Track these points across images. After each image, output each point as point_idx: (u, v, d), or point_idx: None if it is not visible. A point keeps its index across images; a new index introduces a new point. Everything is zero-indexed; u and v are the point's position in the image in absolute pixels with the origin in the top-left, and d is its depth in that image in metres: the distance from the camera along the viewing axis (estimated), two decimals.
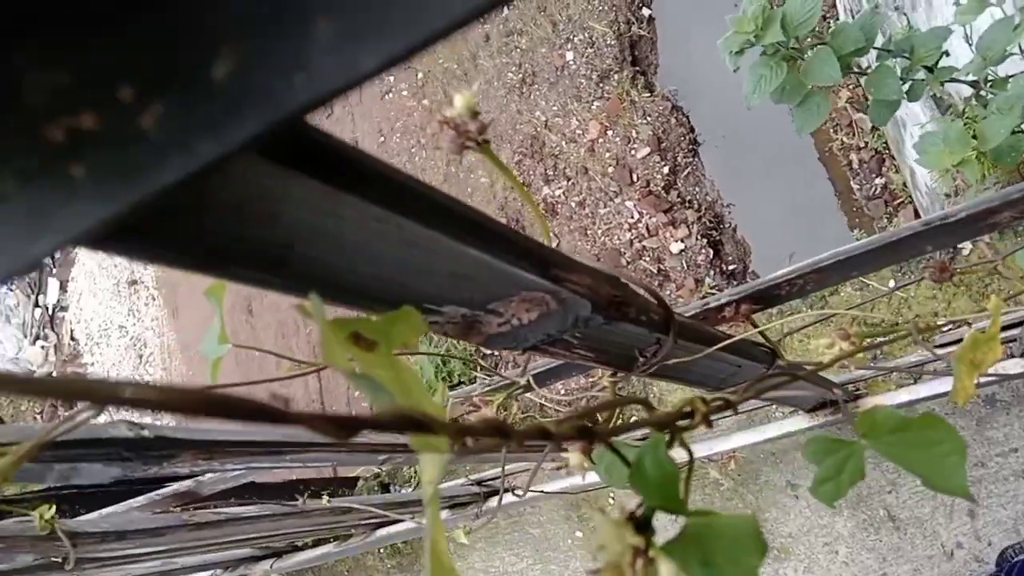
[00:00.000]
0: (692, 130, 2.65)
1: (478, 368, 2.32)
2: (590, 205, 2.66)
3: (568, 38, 2.95)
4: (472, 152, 0.45)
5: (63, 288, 4.36)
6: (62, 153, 0.19)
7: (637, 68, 2.83)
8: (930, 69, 1.17)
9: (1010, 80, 1.12)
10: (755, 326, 0.55)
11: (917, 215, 1.93)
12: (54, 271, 4.40)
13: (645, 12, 2.91)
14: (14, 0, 0.16)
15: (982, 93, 1.16)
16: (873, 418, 0.35)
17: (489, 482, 1.40)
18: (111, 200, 0.20)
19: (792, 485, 1.61)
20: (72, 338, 4.21)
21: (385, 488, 2.25)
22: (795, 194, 2.40)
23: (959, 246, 1.46)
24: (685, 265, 2.39)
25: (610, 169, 2.64)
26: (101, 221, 0.20)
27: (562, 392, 2.22)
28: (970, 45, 1.25)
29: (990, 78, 1.17)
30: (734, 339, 0.49)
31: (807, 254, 0.64)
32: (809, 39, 1.26)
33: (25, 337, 4.16)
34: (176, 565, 1.11)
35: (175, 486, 0.85)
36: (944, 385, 1.04)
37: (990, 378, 0.98)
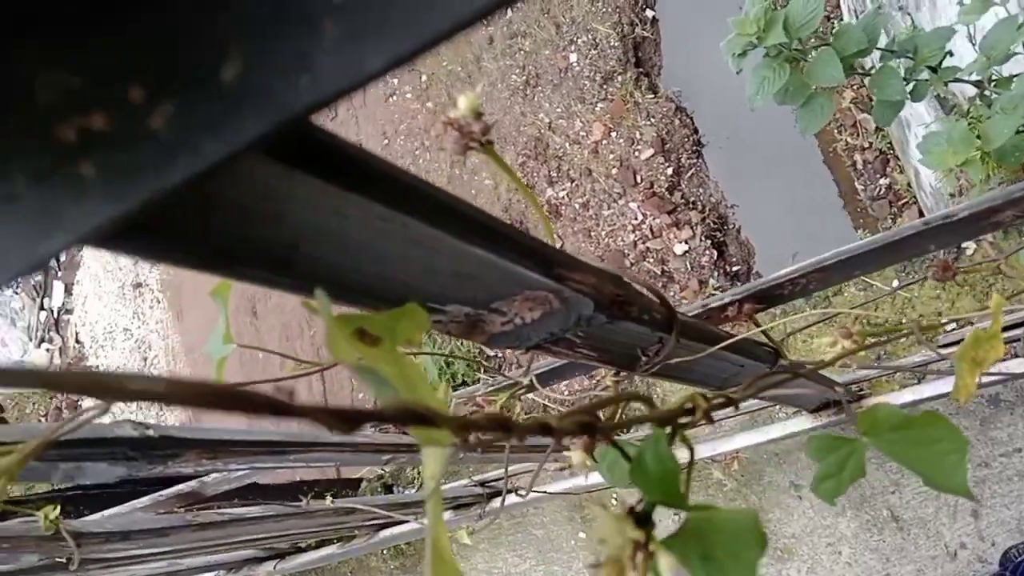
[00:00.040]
0: (696, 131, 2.65)
1: (482, 370, 2.32)
2: (594, 207, 2.66)
3: (572, 40, 2.96)
4: (476, 154, 0.45)
5: (68, 291, 4.38)
6: (73, 153, 0.20)
7: (641, 70, 2.83)
8: (934, 69, 1.17)
9: (1014, 79, 1.12)
10: (758, 325, 0.55)
11: (921, 215, 1.92)
12: (59, 274, 4.42)
13: (649, 14, 2.91)
14: (26, 3, 0.16)
15: (986, 93, 1.15)
16: (874, 416, 0.35)
17: (492, 483, 1.40)
18: (121, 199, 0.20)
19: (795, 486, 1.61)
20: (77, 341, 4.23)
21: (388, 489, 2.26)
22: (799, 195, 2.40)
23: (963, 246, 1.46)
24: (689, 266, 2.39)
25: (614, 171, 2.64)
26: (110, 220, 0.20)
27: (565, 393, 2.22)
28: (974, 45, 1.25)
29: (994, 78, 1.17)
30: (736, 338, 0.49)
31: (811, 255, 0.64)
32: (812, 40, 1.27)
33: (30, 340, 4.18)
34: (181, 566, 1.12)
35: (179, 487, 0.85)
36: (948, 385, 1.03)
37: (994, 378, 0.98)
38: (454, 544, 2.05)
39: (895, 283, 1.57)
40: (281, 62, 0.18)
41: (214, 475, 0.82)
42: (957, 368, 0.41)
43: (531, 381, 0.65)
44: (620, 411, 0.37)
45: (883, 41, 1.25)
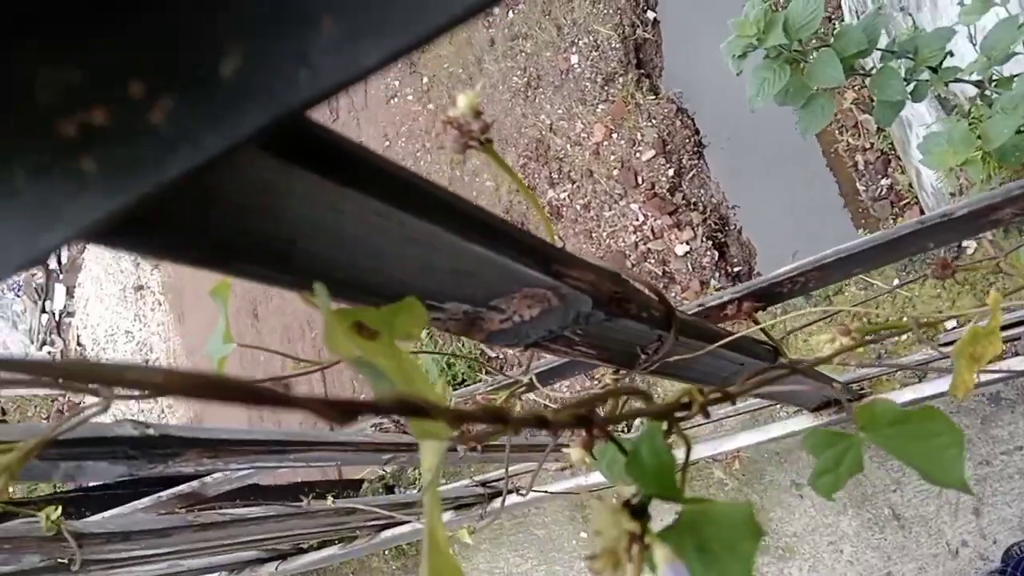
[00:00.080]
0: (697, 132, 2.66)
1: (483, 371, 2.32)
2: (595, 208, 2.67)
3: (573, 42, 2.96)
4: (477, 156, 0.45)
5: (70, 294, 4.39)
6: (74, 148, 0.20)
7: (642, 71, 2.83)
8: (934, 70, 1.17)
9: (1015, 79, 1.12)
10: (757, 324, 0.55)
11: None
12: (61, 277, 4.43)
13: (650, 15, 2.91)
14: (26, 3, 0.17)
15: (987, 93, 1.16)
16: (872, 411, 0.35)
17: (493, 483, 1.40)
18: (120, 193, 0.20)
19: (797, 484, 1.61)
20: (79, 343, 4.23)
21: (390, 490, 2.26)
22: (800, 195, 2.40)
23: (963, 245, 1.46)
24: (690, 267, 2.39)
25: (615, 172, 2.65)
26: (110, 213, 0.20)
27: (567, 394, 2.22)
28: (974, 45, 1.25)
29: (995, 78, 1.17)
30: (735, 336, 0.49)
31: (811, 255, 0.64)
32: (813, 41, 1.27)
33: (32, 343, 4.19)
34: (182, 567, 1.12)
35: (180, 487, 0.85)
36: (949, 383, 1.03)
37: (995, 376, 0.98)
38: (456, 544, 2.05)
39: (896, 282, 1.57)
40: (280, 58, 0.18)
41: (215, 475, 0.82)
42: (955, 364, 0.41)
43: (531, 380, 0.65)
44: (620, 407, 0.37)
45: (884, 42, 1.25)
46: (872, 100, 1.97)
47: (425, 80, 3.35)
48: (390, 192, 0.26)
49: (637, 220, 2.53)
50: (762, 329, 0.60)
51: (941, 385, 0.99)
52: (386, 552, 2.32)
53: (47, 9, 0.18)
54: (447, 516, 1.35)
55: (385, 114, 3.45)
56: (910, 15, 1.91)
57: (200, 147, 0.19)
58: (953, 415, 1.43)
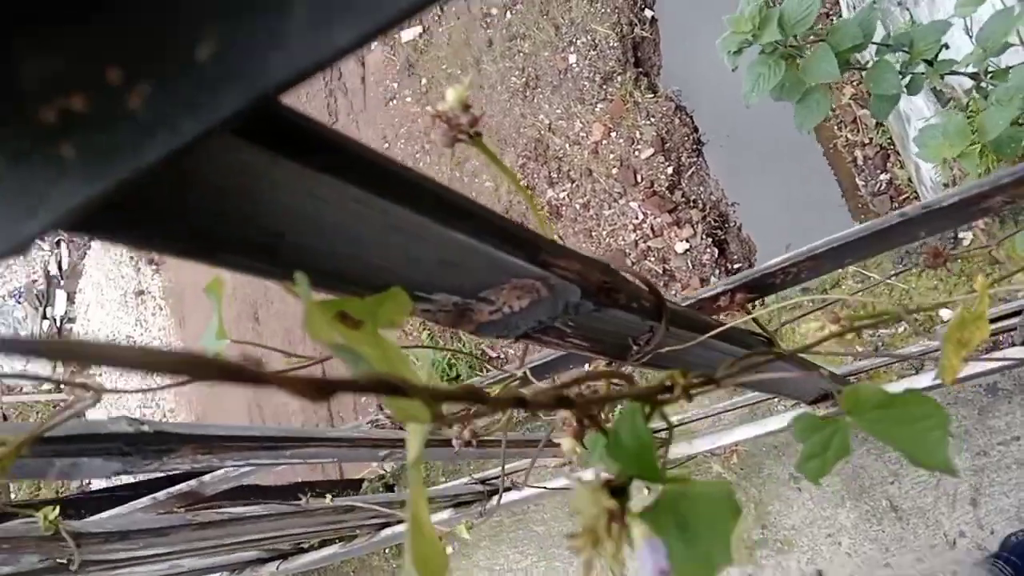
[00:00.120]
0: (696, 130, 2.66)
1: (483, 370, 2.32)
2: (595, 207, 2.67)
3: (571, 41, 2.97)
4: (476, 154, 0.45)
5: (71, 300, 4.40)
6: (53, 134, 0.20)
7: (640, 69, 2.84)
8: (929, 62, 1.17)
9: (1011, 71, 1.12)
10: (750, 314, 0.55)
11: None
12: (61, 283, 4.44)
13: (647, 14, 2.92)
14: None
15: (983, 85, 1.16)
16: (857, 395, 0.36)
17: (492, 480, 1.41)
18: (99, 178, 0.20)
19: (795, 478, 1.62)
20: None
21: (390, 489, 2.26)
22: (800, 191, 2.40)
23: (959, 235, 1.46)
24: (690, 265, 2.40)
25: (614, 170, 2.65)
26: (88, 199, 0.21)
27: None
28: (971, 37, 1.25)
29: (990, 69, 1.17)
30: (726, 326, 0.49)
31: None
32: (811, 37, 1.27)
33: None
34: (182, 568, 1.12)
35: (178, 487, 0.86)
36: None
37: (993, 365, 0.98)
38: (455, 542, 2.06)
39: (892, 276, 1.57)
40: (254, 41, 0.19)
41: (212, 474, 0.82)
42: (943, 349, 0.41)
43: (525, 374, 0.66)
44: (607, 391, 0.38)
45: (879, 36, 1.26)
46: (870, 95, 1.97)
47: (424, 82, 3.36)
48: (370, 178, 0.26)
49: (637, 218, 2.54)
50: (755, 320, 0.60)
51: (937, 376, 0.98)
52: (386, 550, 2.32)
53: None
54: (446, 514, 1.35)
55: (384, 116, 3.46)
56: (907, 9, 1.91)
57: (177, 132, 0.19)
58: (950, 406, 1.43)
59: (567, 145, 2.80)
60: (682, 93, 2.72)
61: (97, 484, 3.61)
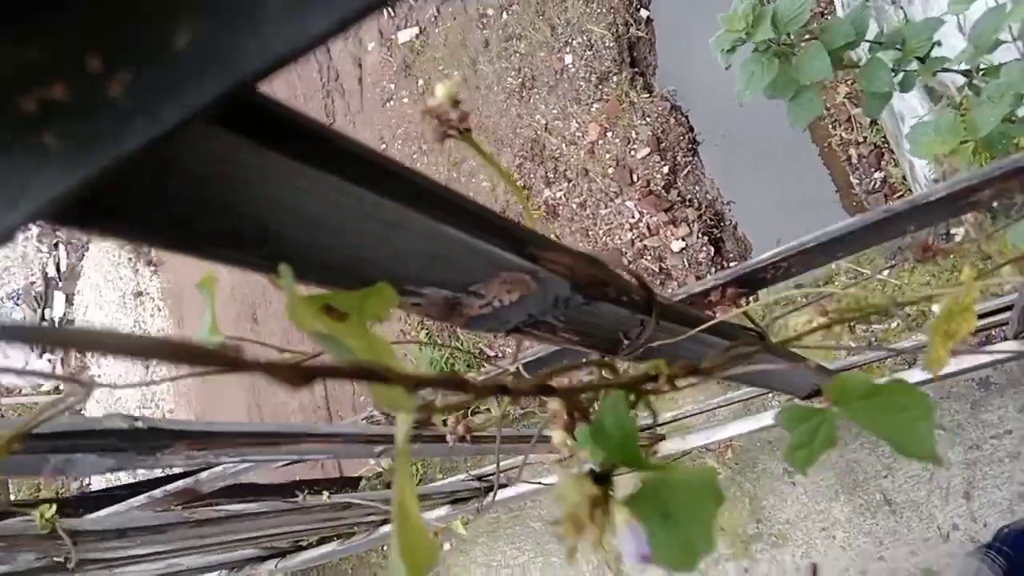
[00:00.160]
0: (691, 129, 2.66)
1: (481, 368, 2.32)
2: (591, 206, 2.67)
3: (567, 41, 2.97)
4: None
5: (69, 301, 4.40)
6: (35, 123, 0.20)
7: (636, 69, 2.84)
8: (922, 60, 1.17)
9: (1002, 68, 1.13)
10: (739, 309, 0.55)
11: None
12: (60, 285, 4.44)
13: (643, 14, 2.92)
14: None
15: (975, 82, 1.16)
16: (844, 385, 0.36)
17: (489, 477, 1.41)
18: (81, 166, 0.21)
19: (789, 472, 1.62)
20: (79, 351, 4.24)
21: (388, 486, 2.26)
22: (794, 190, 2.41)
23: (952, 231, 1.46)
24: (687, 263, 2.40)
25: (610, 170, 2.65)
26: (70, 188, 0.21)
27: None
28: (964, 35, 1.25)
29: (983, 67, 1.17)
30: (717, 319, 0.50)
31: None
32: (806, 36, 1.27)
33: (32, 351, 4.20)
34: (181, 566, 1.12)
35: (175, 484, 0.86)
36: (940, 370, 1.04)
37: (985, 359, 0.98)
38: (453, 538, 2.06)
39: (886, 272, 1.58)
40: (231, 28, 0.19)
41: (209, 471, 0.82)
42: (930, 340, 0.41)
43: (518, 369, 0.66)
44: (598, 380, 0.38)
45: (874, 34, 1.26)
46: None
47: (421, 83, 3.36)
48: (348, 167, 0.26)
49: (633, 217, 2.54)
50: (746, 314, 0.60)
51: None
52: (384, 547, 2.33)
53: None
54: (444, 511, 1.35)
55: (381, 117, 3.46)
56: (901, 8, 1.92)
57: (157, 119, 0.20)
58: (943, 400, 1.44)
59: (563, 145, 2.81)
60: (677, 93, 2.72)
61: (97, 485, 3.61)
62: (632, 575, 1.77)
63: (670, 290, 2.35)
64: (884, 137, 2.14)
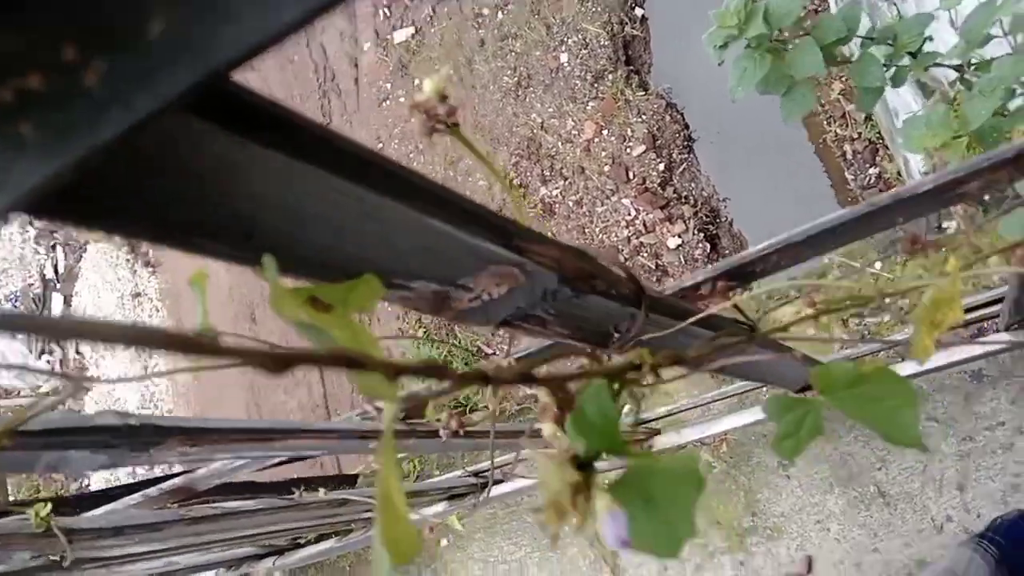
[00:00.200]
0: (687, 127, 2.67)
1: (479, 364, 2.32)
2: (587, 204, 2.67)
3: (562, 40, 2.97)
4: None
5: (67, 303, 4.40)
6: (11, 113, 0.20)
7: (631, 67, 2.84)
8: (913, 55, 1.17)
9: (994, 62, 1.13)
10: (728, 301, 0.55)
11: None
12: (58, 286, 4.44)
13: (638, 12, 2.92)
14: None
15: (966, 76, 1.16)
16: (829, 374, 0.36)
17: (485, 473, 1.41)
18: (58, 156, 0.21)
19: (783, 465, 1.63)
20: (77, 352, 4.25)
21: None
22: (790, 186, 2.41)
23: (944, 224, 1.47)
24: (683, 260, 2.40)
25: (606, 168, 2.66)
26: (47, 177, 0.21)
27: None
28: (955, 30, 1.25)
29: (974, 61, 1.18)
30: (706, 312, 0.50)
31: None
32: (800, 31, 1.27)
33: (30, 352, 4.19)
34: (178, 565, 1.12)
35: (170, 482, 0.86)
36: (932, 362, 1.05)
37: (978, 351, 0.99)
38: (449, 534, 2.06)
39: (879, 265, 1.59)
40: (204, 16, 0.19)
41: (205, 469, 0.82)
42: (915, 330, 0.42)
43: (510, 364, 0.66)
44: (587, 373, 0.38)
45: (864, 29, 1.26)
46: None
47: (417, 82, 3.36)
48: (332, 161, 0.26)
49: (629, 215, 2.54)
50: (737, 307, 0.60)
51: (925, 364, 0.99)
52: None
53: None
54: (441, 507, 1.36)
55: (378, 117, 3.46)
56: (894, 4, 1.92)
57: (131, 108, 0.20)
58: (937, 392, 1.45)
59: (559, 143, 2.81)
60: (673, 90, 2.73)
61: (96, 485, 3.61)
62: (629, 570, 1.78)
63: (666, 287, 2.35)
64: (879, 133, 2.14)
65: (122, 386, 4.03)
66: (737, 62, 1.24)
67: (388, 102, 3.43)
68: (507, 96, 3.03)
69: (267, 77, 3.82)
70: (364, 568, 2.30)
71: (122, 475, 3.40)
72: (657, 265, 2.44)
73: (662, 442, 1.35)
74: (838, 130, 2.23)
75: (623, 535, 0.24)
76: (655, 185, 2.53)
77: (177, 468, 1.03)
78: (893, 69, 1.17)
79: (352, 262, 0.34)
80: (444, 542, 2.12)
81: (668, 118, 2.65)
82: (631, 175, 2.58)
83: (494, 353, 2.53)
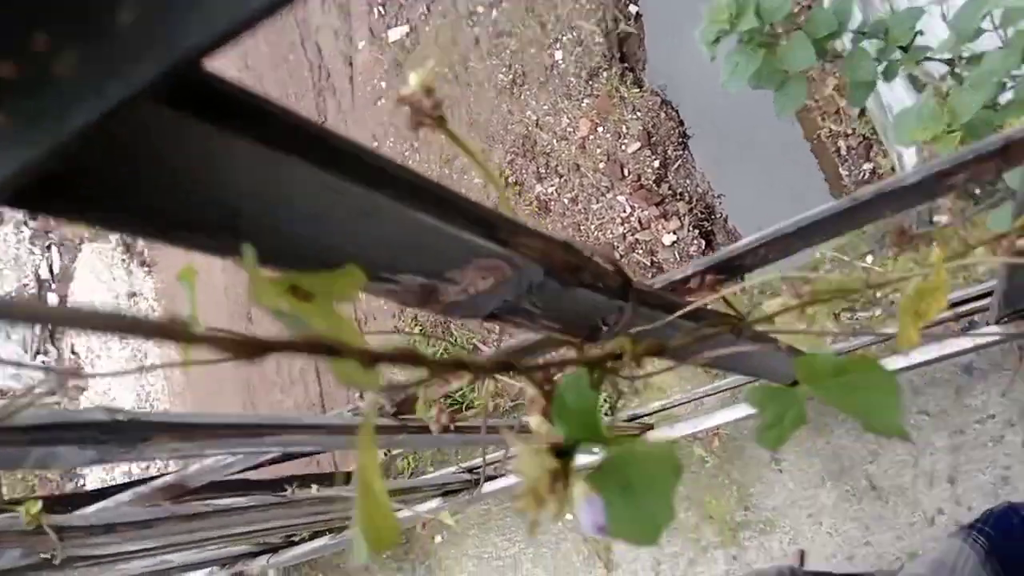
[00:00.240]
0: (681, 123, 2.67)
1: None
2: (583, 201, 2.68)
3: (557, 38, 2.97)
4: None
5: (63, 303, 4.39)
6: None
7: (626, 65, 2.84)
8: (904, 49, 1.18)
9: (984, 56, 1.13)
10: (716, 294, 0.56)
11: None
12: (53, 287, 4.43)
13: (632, 9, 2.92)
14: None
15: (957, 70, 1.17)
16: (812, 364, 0.36)
17: (479, 469, 1.41)
18: (32, 145, 0.21)
19: (776, 460, 1.64)
20: (73, 352, 4.24)
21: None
22: (784, 182, 2.42)
23: (935, 218, 1.47)
24: (678, 257, 2.41)
25: (601, 165, 2.66)
26: (22, 167, 0.21)
27: None
28: (947, 23, 1.26)
29: (965, 55, 1.18)
30: (694, 304, 0.50)
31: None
32: (793, 26, 1.28)
33: (26, 353, 4.18)
34: (171, 563, 1.12)
35: (162, 479, 0.86)
36: (922, 355, 1.06)
37: (968, 344, 0.99)
38: (444, 530, 2.07)
39: (870, 259, 1.59)
40: (173, 4, 0.19)
41: (197, 465, 0.82)
42: (900, 320, 0.42)
43: (489, 354, 0.66)
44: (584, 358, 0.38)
45: (857, 24, 1.26)
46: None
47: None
48: (314, 152, 0.26)
49: (624, 212, 2.54)
50: (726, 300, 0.60)
51: (914, 357, 1.00)
52: None
53: None
54: (434, 503, 1.36)
55: (373, 115, 3.46)
56: (887, 0, 1.92)
57: (103, 96, 0.20)
58: (928, 386, 1.45)
59: (554, 141, 2.81)
60: (667, 87, 2.73)
61: (92, 484, 3.60)
62: (623, 565, 1.78)
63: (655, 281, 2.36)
64: (873, 129, 2.15)
65: (118, 387, 4.02)
66: (729, 56, 1.25)
67: (383, 100, 3.43)
68: (502, 94, 3.03)
69: (262, 76, 3.81)
70: (359, 565, 2.30)
71: (118, 475, 3.40)
72: (652, 262, 2.44)
73: (655, 437, 1.34)
74: (832, 126, 2.23)
75: (599, 521, 0.24)
76: (650, 182, 2.54)
77: (172, 467, 1.02)
78: (885, 63, 1.17)
79: (337, 255, 0.34)
80: (439, 538, 2.12)
81: (663, 115, 2.65)
82: (626, 172, 2.59)
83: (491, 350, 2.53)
